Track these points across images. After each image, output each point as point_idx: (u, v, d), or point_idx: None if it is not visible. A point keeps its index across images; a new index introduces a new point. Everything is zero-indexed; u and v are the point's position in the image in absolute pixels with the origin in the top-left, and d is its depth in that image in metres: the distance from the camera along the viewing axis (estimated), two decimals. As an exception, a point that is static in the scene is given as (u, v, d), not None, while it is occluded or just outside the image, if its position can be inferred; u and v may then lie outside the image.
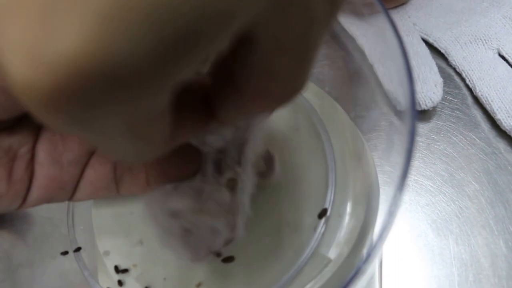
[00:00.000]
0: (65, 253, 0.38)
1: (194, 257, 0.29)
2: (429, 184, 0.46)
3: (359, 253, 0.32)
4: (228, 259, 0.33)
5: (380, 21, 0.31)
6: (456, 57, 0.53)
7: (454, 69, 0.53)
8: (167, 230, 0.29)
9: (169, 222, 0.29)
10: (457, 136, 0.49)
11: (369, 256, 0.23)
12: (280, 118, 0.39)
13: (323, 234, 0.34)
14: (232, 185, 0.29)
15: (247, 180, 0.30)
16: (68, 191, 0.30)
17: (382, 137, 0.44)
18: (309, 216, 0.34)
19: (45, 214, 0.42)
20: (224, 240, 0.30)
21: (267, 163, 0.34)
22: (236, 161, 0.29)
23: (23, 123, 0.27)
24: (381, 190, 0.36)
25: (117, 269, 0.34)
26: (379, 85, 0.43)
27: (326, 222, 0.34)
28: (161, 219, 0.29)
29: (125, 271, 0.34)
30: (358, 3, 0.37)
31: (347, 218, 0.34)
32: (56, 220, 0.41)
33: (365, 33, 0.48)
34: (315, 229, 0.34)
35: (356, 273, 0.23)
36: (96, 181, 0.31)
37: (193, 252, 0.29)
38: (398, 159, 0.34)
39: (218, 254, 0.33)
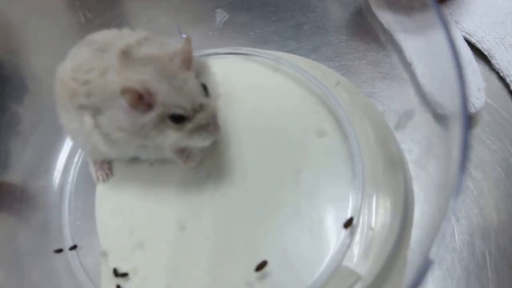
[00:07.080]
0: (59, 251, 0.35)
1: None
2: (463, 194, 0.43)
3: (392, 271, 0.28)
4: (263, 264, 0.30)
5: (427, 16, 0.28)
6: (501, 60, 0.49)
7: (498, 73, 0.49)
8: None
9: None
10: (497, 144, 0.45)
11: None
12: (306, 119, 0.36)
13: (350, 246, 0.30)
14: None
15: None
16: None
17: (419, 141, 0.40)
18: (334, 224, 0.31)
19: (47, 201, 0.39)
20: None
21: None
22: None
23: None
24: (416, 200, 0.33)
25: (116, 272, 0.32)
26: (417, 84, 0.40)
27: (354, 233, 0.31)
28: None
29: (124, 275, 0.32)
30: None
31: (378, 231, 0.30)
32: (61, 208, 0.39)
33: (404, 28, 0.44)
34: (338, 238, 0.30)
35: None
36: None
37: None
38: (437, 166, 0.31)
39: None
